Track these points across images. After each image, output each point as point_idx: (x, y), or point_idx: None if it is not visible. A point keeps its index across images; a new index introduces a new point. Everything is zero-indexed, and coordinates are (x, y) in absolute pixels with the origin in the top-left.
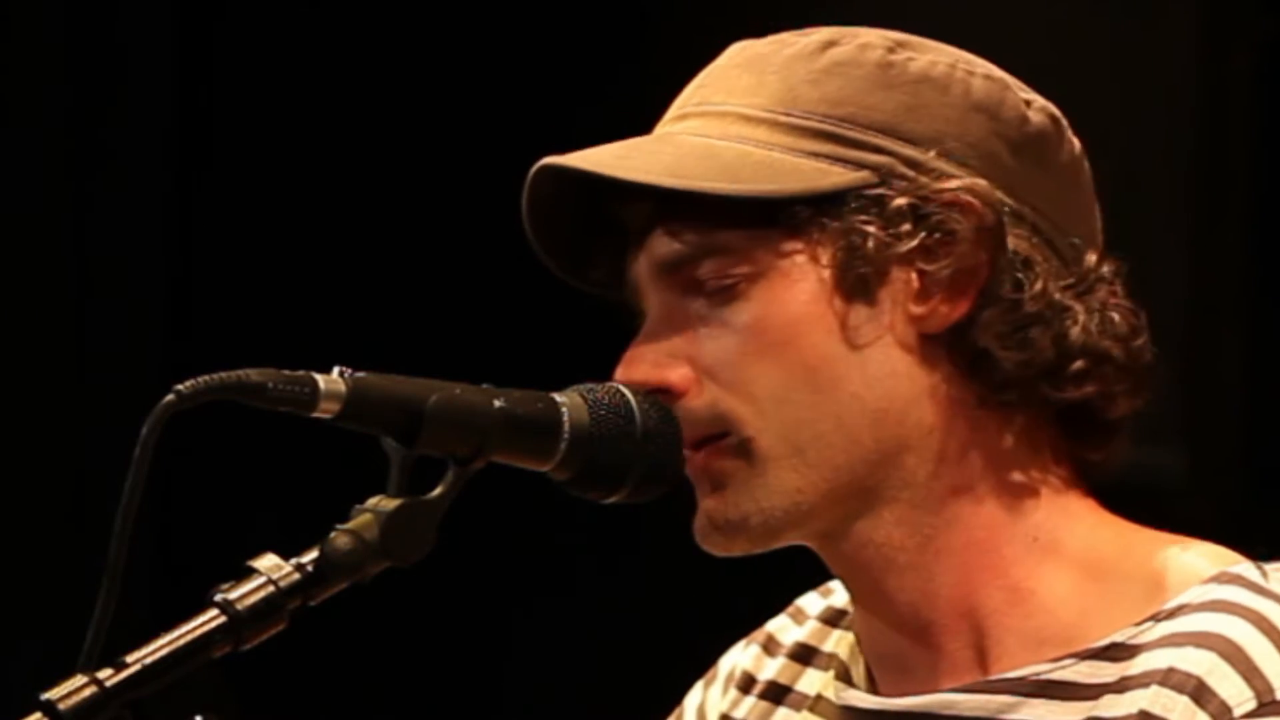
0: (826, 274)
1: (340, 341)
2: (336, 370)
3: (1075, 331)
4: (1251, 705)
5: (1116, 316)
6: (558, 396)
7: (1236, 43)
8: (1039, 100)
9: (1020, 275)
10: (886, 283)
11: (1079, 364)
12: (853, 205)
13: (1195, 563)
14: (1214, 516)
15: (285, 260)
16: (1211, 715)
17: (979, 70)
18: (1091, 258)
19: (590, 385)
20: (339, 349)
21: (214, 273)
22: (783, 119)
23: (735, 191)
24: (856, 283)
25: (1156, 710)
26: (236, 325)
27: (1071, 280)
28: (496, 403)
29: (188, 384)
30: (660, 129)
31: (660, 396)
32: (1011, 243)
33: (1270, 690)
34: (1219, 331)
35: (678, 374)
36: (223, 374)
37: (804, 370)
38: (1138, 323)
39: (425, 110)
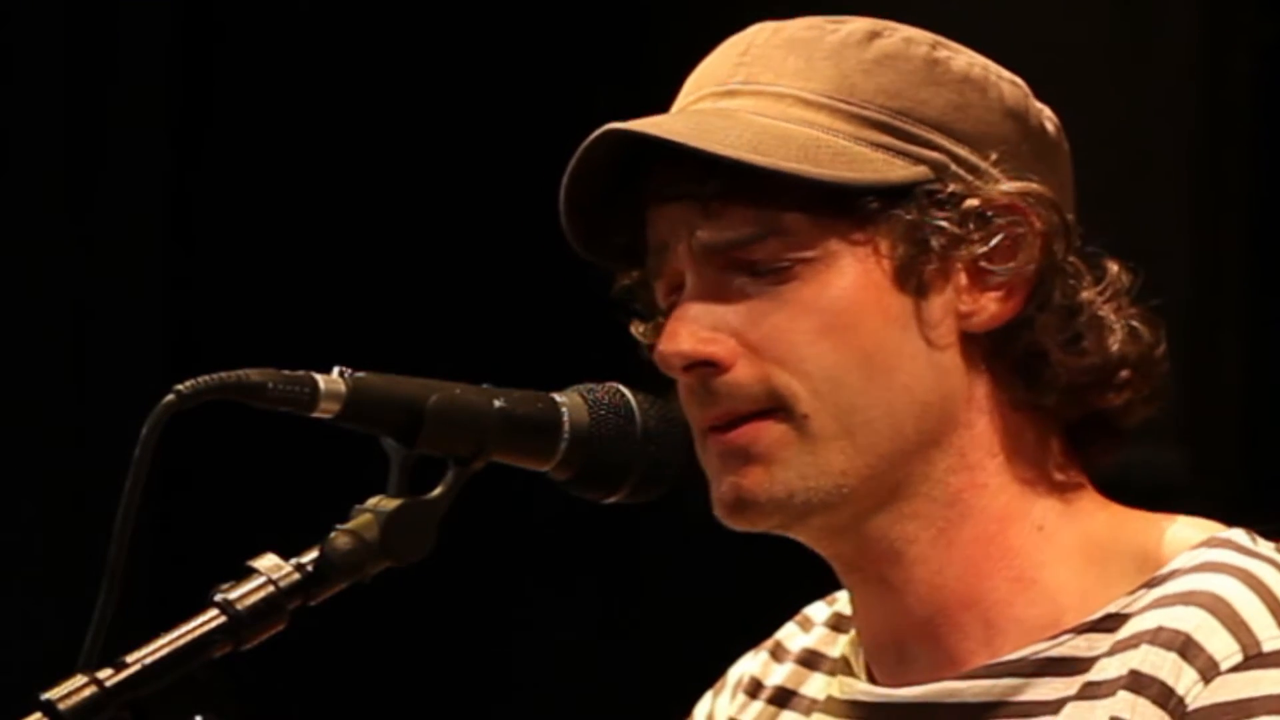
0: (887, 264)
1: (340, 341)
2: (336, 370)
3: (1114, 342)
4: (1238, 659)
5: (1139, 325)
6: (558, 396)
7: (1237, 45)
8: (1047, 110)
9: (1072, 282)
10: (945, 278)
11: (1124, 373)
12: (920, 201)
13: (1185, 533)
14: (1214, 516)
15: (286, 259)
16: (1199, 670)
17: (1005, 75)
18: (1114, 267)
19: (590, 385)
20: (339, 349)
21: (214, 271)
22: (842, 106)
23: (820, 175)
24: (917, 276)
25: (1146, 669)
26: (236, 325)
27: (1100, 289)
28: (496, 403)
29: (188, 384)
30: (702, 103)
31: (704, 370)
32: (1061, 250)
33: (1257, 644)
34: (1219, 331)
35: (724, 348)
36: (223, 374)
37: (860, 355)
38: (1159, 332)
39: (427, 109)
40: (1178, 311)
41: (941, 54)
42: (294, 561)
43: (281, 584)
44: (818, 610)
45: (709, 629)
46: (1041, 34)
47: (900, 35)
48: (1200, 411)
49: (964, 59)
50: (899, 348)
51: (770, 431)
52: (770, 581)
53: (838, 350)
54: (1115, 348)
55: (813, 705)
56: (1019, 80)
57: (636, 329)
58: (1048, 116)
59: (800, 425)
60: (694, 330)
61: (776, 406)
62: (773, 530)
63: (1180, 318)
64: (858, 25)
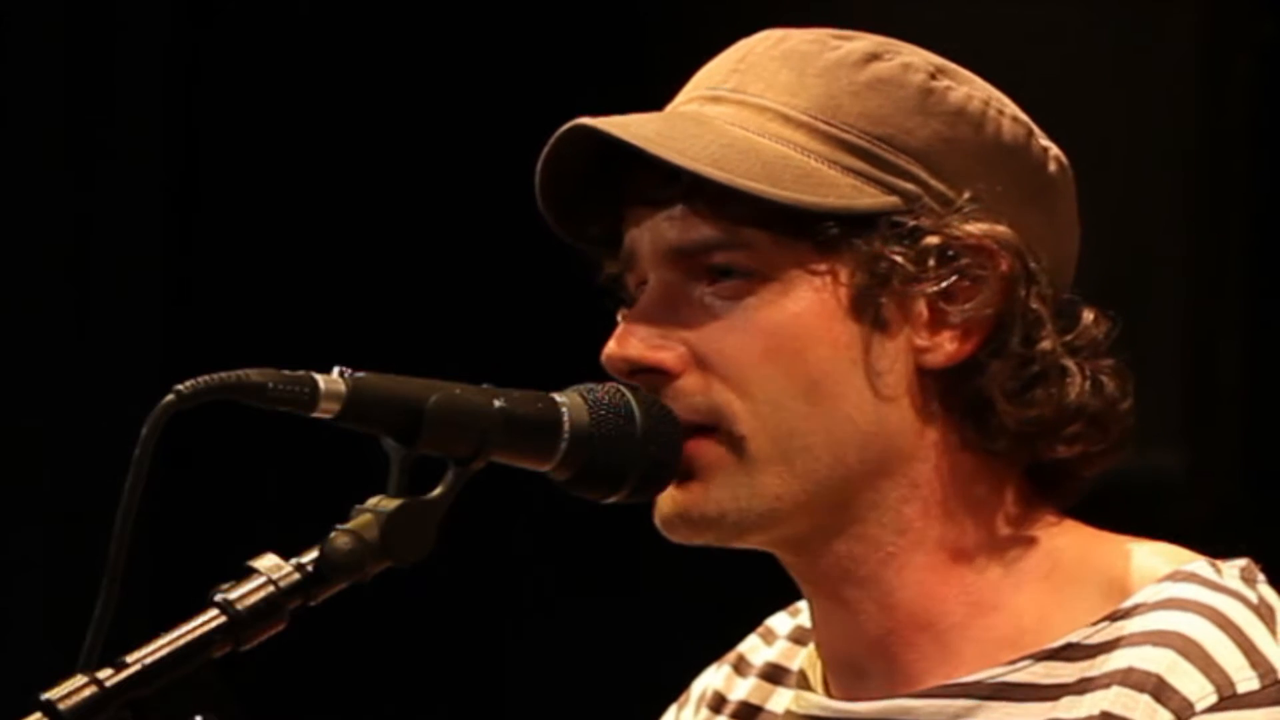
0: (843, 293)
1: (340, 341)
2: (336, 370)
3: (1073, 393)
4: (1213, 700)
5: (1106, 379)
6: (558, 396)
7: (1237, 44)
8: (1054, 148)
9: (1031, 331)
10: (900, 312)
11: (1074, 427)
12: (883, 231)
13: (1150, 562)
14: (1214, 516)
15: (285, 260)
16: (1173, 712)
17: (1008, 111)
18: (1088, 316)
19: (590, 385)
20: (339, 349)
21: (214, 273)
22: (822, 126)
23: (776, 196)
24: (874, 307)
25: (1118, 710)
26: (236, 325)
27: (1069, 338)
28: (496, 403)
29: (188, 384)
30: (690, 105)
31: (651, 376)
32: (1024, 296)
33: (1231, 685)
34: (1219, 331)
35: (673, 355)
36: (223, 374)
37: (805, 381)
38: (1126, 386)
39: (427, 109)
40: (1177, 312)
41: (940, 84)
42: (294, 561)
43: (281, 584)
44: (780, 622)
45: (709, 630)
46: (1041, 35)
47: (900, 60)
48: (1200, 411)
49: (964, 91)
50: (846, 377)
51: (709, 450)
52: (771, 582)
53: (783, 375)
54: (1073, 398)
55: None
56: (1023, 117)
57: (622, 316)
58: (1053, 156)
59: (738, 446)
60: (645, 336)
61: (717, 424)
62: (711, 544)
63: (1180, 318)
64: (859, 45)
